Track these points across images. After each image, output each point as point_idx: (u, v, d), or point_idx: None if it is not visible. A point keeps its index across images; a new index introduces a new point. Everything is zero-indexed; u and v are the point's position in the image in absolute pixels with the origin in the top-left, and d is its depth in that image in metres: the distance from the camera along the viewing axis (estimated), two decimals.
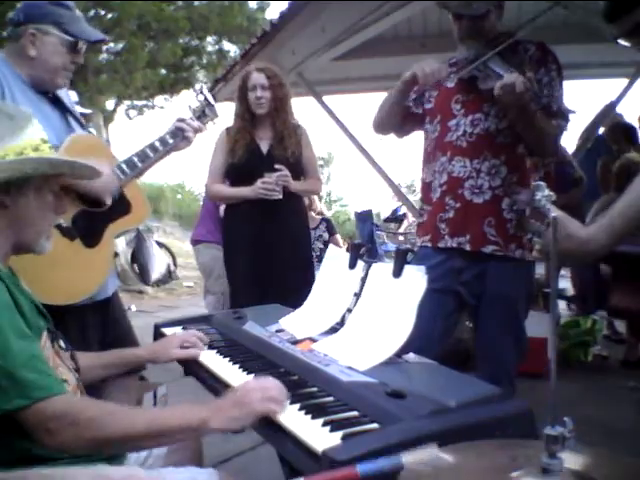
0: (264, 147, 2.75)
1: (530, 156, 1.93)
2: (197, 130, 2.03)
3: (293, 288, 2.62)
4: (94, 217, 1.77)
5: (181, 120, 1.99)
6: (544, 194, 0.93)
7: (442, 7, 2.04)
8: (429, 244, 1.99)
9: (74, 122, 1.88)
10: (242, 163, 2.72)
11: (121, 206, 1.84)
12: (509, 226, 1.89)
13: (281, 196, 2.66)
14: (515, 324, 1.98)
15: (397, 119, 2.09)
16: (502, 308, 1.93)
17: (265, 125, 2.77)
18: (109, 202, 1.78)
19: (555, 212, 1.08)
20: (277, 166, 2.65)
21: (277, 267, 2.70)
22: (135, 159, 1.85)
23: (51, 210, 1.22)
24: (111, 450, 1.13)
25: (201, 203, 4.90)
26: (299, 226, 2.87)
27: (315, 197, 4.83)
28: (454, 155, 1.92)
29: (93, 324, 1.81)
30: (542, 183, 0.97)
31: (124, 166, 1.82)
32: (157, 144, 1.91)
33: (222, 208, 4.23)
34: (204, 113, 2.12)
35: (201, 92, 2.18)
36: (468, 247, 1.90)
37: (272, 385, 1.07)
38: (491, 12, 1.90)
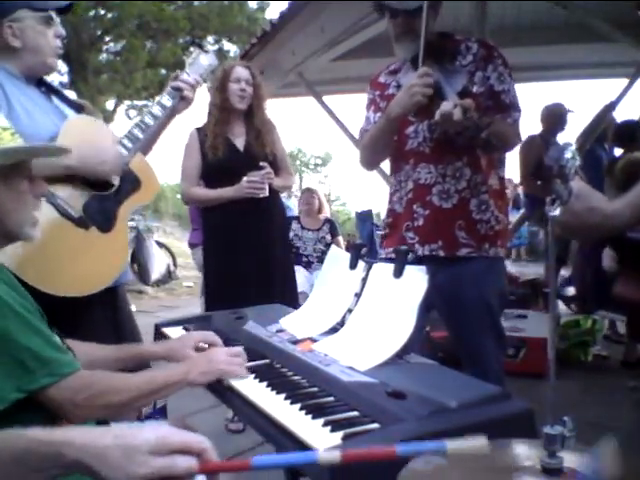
0: (239, 144, 2.71)
1: (491, 155, 1.91)
2: (194, 85, 1.93)
3: (275, 286, 2.63)
4: (104, 200, 1.74)
5: (175, 78, 1.92)
6: (571, 155, 0.91)
7: (377, 9, 1.98)
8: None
9: (70, 110, 1.86)
10: (220, 162, 2.65)
11: (130, 183, 1.80)
12: (479, 227, 1.88)
13: (267, 194, 2.64)
14: (493, 323, 1.96)
15: (390, 151, 2.03)
16: (478, 311, 1.90)
17: (239, 122, 2.73)
18: (117, 182, 1.75)
19: (579, 184, 1.06)
20: (262, 164, 2.61)
21: (259, 265, 2.66)
22: (135, 130, 1.80)
23: (28, 196, 1.18)
24: (127, 411, 1.24)
25: None
26: (280, 223, 2.85)
27: (324, 201, 4.83)
28: (418, 162, 1.90)
29: (103, 317, 1.79)
30: (571, 142, 0.95)
31: (125, 141, 1.78)
32: (155, 109, 1.85)
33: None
34: (199, 63, 2.00)
35: (193, 42, 2.14)
36: (442, 253, 1.88)
37: (237, 352, 1.28)
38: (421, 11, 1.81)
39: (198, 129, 2.78)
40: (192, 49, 2.03)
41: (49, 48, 1.74)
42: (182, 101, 1.91)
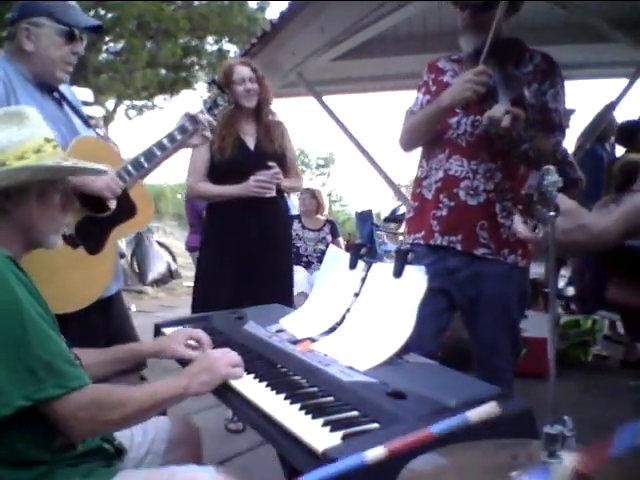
0: (250, 143, 2.71)
1: (526, 167, 1.91)
2: (213, 125, 1.97)
3: (270, 288, 2.62)
4: (98, 222, 1.75)
5: (192, 116, 1.92)
6: (552, 179, 0.92)
7: None
8: (422, 241, 1.97)
9: (79, 121, 1.86)
10: (230, 159, 2.64)
11: (126, 209, 1.80)
12: (502, 230, 1.88)
13: (275, 194, 2.64)
14: (510, 328, 1.97)
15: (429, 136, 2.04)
16: (496, 312, 1.92)
17: (249, 120, 2.73)
18: (113, 206, 1.76)
19: (567, 202, 1.07)
20: (270, 163, 2.61)
21: (260, 266, 2.65)
22: (142, 159, 1.80)
23: (58, 210, 1.22)
24: (130, 425, 1.23)
25: None
26: (284, 224, 2.85)
27: (325, 200, 4.82)
28: (452, 153, 1.90)
29: (96, 322, 1.80)
30: (552, 167, 0.95)
31: (130, 167, 1.77)
32: (165, 141, 1.85)
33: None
34: (216, 103, 2.05)
35: (214, 81, 2.12)
36: (459, 247, 1.89)
37: (232, 354, 1.27)
38: (496, 7, 1.83)
39: None
40: (212, 90, 2.08)
41: (60, 62, 1.74)
42: (198, 138, 1.94)
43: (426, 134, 1.97)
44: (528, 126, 1.76)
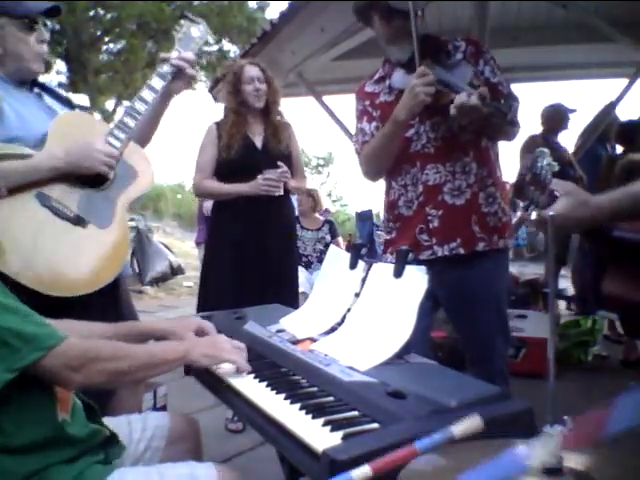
0: (258, 142, 2.72)
1: (492, 141, 1.95)
2: (192, 61, 1.83)
3: (275, 288, 2.62)
4: (99, 195, 1.72)
5: (164, 59, 1.82)
6: (545, 162, 0.92)
7: (361, 16, 1.96)
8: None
9: (61, 106, 1.84)
10: (237, 158, 2.65)
11: (126, 174, 1.76)
12: (489, 219, 1.90)
13: (282, 192, 2.64)
14: (501, 319, 1.98)
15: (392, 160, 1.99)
16: (489, 305, 1.93)
17: (257, 119, 2.74)
18: (111, 176, 1.72)
19: (567, 184, 1.11)
20: (279, 163, 2.62)
21: (267, 266, 2.66)
22: (126, 119, 1.74)
23: None
24: (125, 381, 1.25)
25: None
26: (288, 223, 2.85)
27: (320, 197, 4.81)
28: (425, 163, 1.89)
29: (103, 301, 1.76)
30: (546, 150, 0.97)
31: (116, 131, 1.72)
32: (145, 93, 1.77)
33: (206, 204, 4.18)
34: (191, 37, 1.88)
35: (182, 15, 1.95)
36: (462, 251, 1.88)
37: (238, 343, 1.28)
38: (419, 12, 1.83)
39: (217, 123, 2.79)
40: (182, 22, 1.90)
41: (31, 54, 1.72)
42: (180, 80, 1.82)
43: (390, 155, 1.93)
44: (504, 99, 1.81)
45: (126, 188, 1.76)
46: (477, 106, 1.66)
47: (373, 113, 1.99)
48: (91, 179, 1.71)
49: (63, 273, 1.61)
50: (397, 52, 1.90)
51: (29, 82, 1.80)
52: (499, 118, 1.77)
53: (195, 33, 1.89)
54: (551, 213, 0.89)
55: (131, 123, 1.74)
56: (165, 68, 1.81)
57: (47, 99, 1.85)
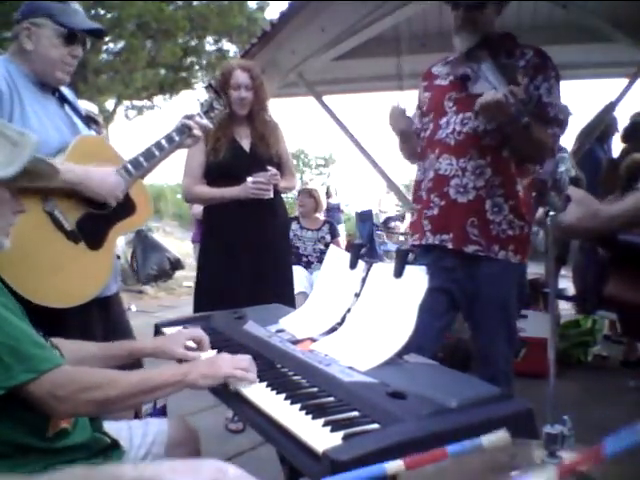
0: (245, 145, 2.69)
1: (521, 162, 1.92)
2: (205, 127, 2.01)
3: (271, 289, 2.61)
4: (99, 219, 1.77)
5: (189, 117, 1.97)
6: (565, 167, 0.93)
7: None
8: (417, 242, 2.01)
9: (80, 122, 1.88)
10: (225, 162, 2.62)
11: (126, 207, 1.83)
12: (492, 227, 1.89)
13: (272, 195, 2.63)
14: (507, 327, 1.98)
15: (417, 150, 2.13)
16: (493, 310, 1.94)
17: (244, 123, 2.71)
18: (114, 204, 1.78)
19: (579, 192, 1.11)
20: (268, 167, 2.59)
21: (256, 267, 2.64)
22: (141, 158, 1.84)
23: (7, 207, 1.18)
24: (116, 409, 1.20)
25: None
26: (281, 225, 2.84)
27: (322, 200, 4.80)
28: (442, 153, 1.93)
29: (95, 321, 1.81)
30: (566, 155, 0.97)
31: (129, 166, 1.80)
32: (163, 142, 1.89)
33: (196, 208, 4.16)
34: (212, 107, 2.10)
35: (210, 85, 2.16)
36: (450, 245, 1.91)
37: (243, 358, 1.22)
38: (488, 5, 1.88)
39: None
40: (208, 94, 2.12)
41: (60, 63, 1.75)
42: (190, 138, 1.97)
43: (407, 149, 2.14)
44: (525, 103, 1.78)
45: (123, 220, 1.83)
46: (500, 101, 1.67)
47: (422, 95, 2.09)
48: (93, 201, 1.75)
49: (42, 281, 1.63)
50: (459, 41, 1.94)
51: (51, 88, 1.82)
52: (514, 121, 1.75)
53: (217, 105, 2.12)
54: (552, 213, 0.89)
55: (144, 164, 1.84)
56: (185, 125, 1.95)
57: (66, 108, 1.87)
